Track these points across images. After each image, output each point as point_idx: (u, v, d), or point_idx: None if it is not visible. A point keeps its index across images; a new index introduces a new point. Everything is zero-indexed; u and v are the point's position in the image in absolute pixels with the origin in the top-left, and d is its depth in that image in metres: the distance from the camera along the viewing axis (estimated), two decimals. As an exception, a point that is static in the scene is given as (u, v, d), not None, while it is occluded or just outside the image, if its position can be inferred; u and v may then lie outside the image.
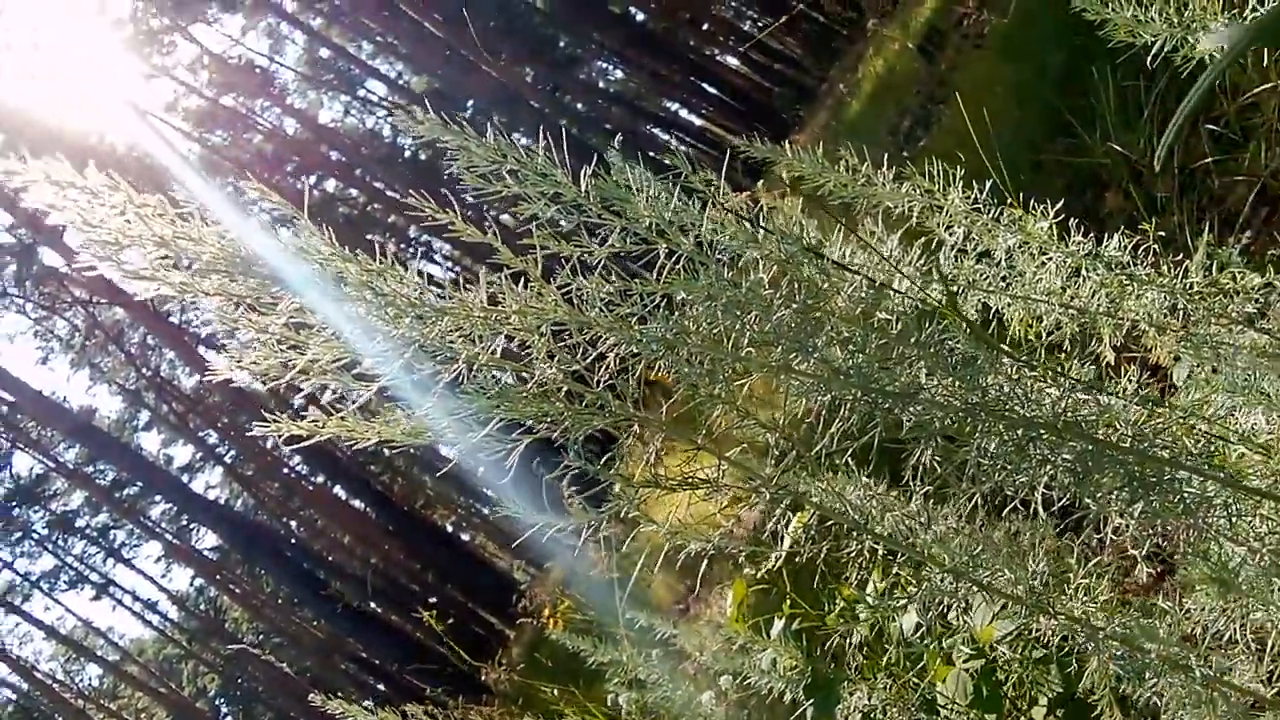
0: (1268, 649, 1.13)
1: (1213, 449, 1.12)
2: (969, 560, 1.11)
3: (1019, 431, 1.03)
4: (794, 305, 1.03)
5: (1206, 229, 3.34)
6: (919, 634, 2.33)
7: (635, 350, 1.02)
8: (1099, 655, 1.13)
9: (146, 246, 0.87)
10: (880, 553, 1.85)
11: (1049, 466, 1.07)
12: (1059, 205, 1.72)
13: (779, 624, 2.32)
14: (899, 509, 1.26)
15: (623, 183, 1.03)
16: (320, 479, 26.99)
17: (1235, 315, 1.83)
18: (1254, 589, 1.06)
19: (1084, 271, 1.77)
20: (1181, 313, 1.80)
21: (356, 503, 26.84)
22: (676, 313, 1.03)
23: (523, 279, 1.01)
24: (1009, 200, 1.74)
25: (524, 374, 1.08)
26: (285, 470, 26.70)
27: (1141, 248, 1.81)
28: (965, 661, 2.27)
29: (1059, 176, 4.86)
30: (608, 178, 1.02)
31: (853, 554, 1.47)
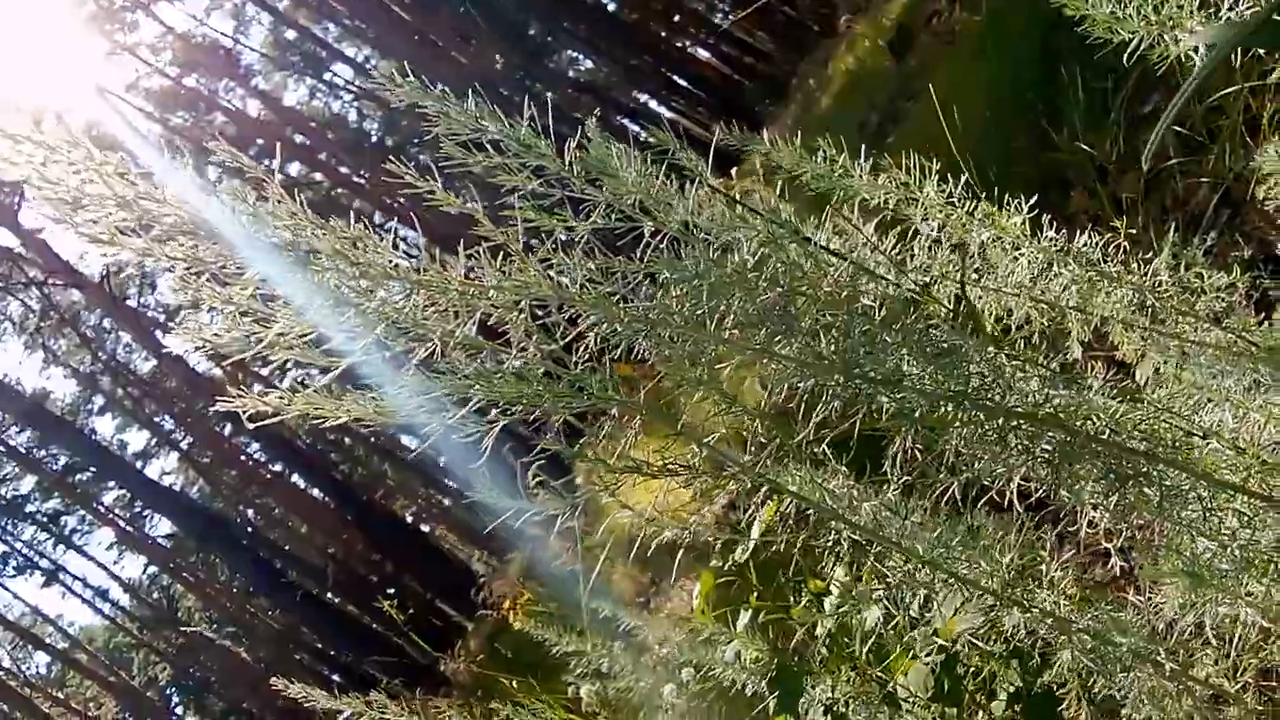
0: (1233, 643, 1.14)
1: (1184, 444, 1.12)
2: (943, 551, 1.10)
3: (999, 420, 1.03)
4: (778, 288, 1.01)
5: (1171, 229, 3.38)
6: (883, 627, 2.33)
7: (616, 330, 1.00)
8: (1069, 649, 1.13)
9: (106, 207, 0.83)
10: (849, 545, 1.84)
11: (1027, 457, 1.06)
12: (1029, 203, 1.73)
13: (745, 616, 2.31)
14: (874, 499, 1.26)
15: (607, 157, 1.01)
16: (279, 467, 26.65)
17: (1201, 313, 1.85)
18: (1224, 583, 1.07)
19: (1055, 267, 1.78)
20: (1149, 310, 1.81)
21: (315, 491, 26.54)
22: (659, 292, 1.01)
23: (501, 254, 0.98)
24: (981, 195, 1.74)
25: (500, 354, 1.05)
26: (243, 458, 26.33)
27: (1112, 245, 1.82)
28: (927, 655, 2.27)
29: (1026, 175, 4.90)
30: (592, 151, 0.99)
31: (824, 545, 1.46)
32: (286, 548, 26.93)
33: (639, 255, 1.03)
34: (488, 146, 1.00)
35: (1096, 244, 1.80)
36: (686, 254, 1.01)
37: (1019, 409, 1.03)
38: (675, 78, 28.95)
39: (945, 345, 1.02)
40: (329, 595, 25.00)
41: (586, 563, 5.18)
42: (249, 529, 26.39)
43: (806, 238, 1.04)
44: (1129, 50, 1.67)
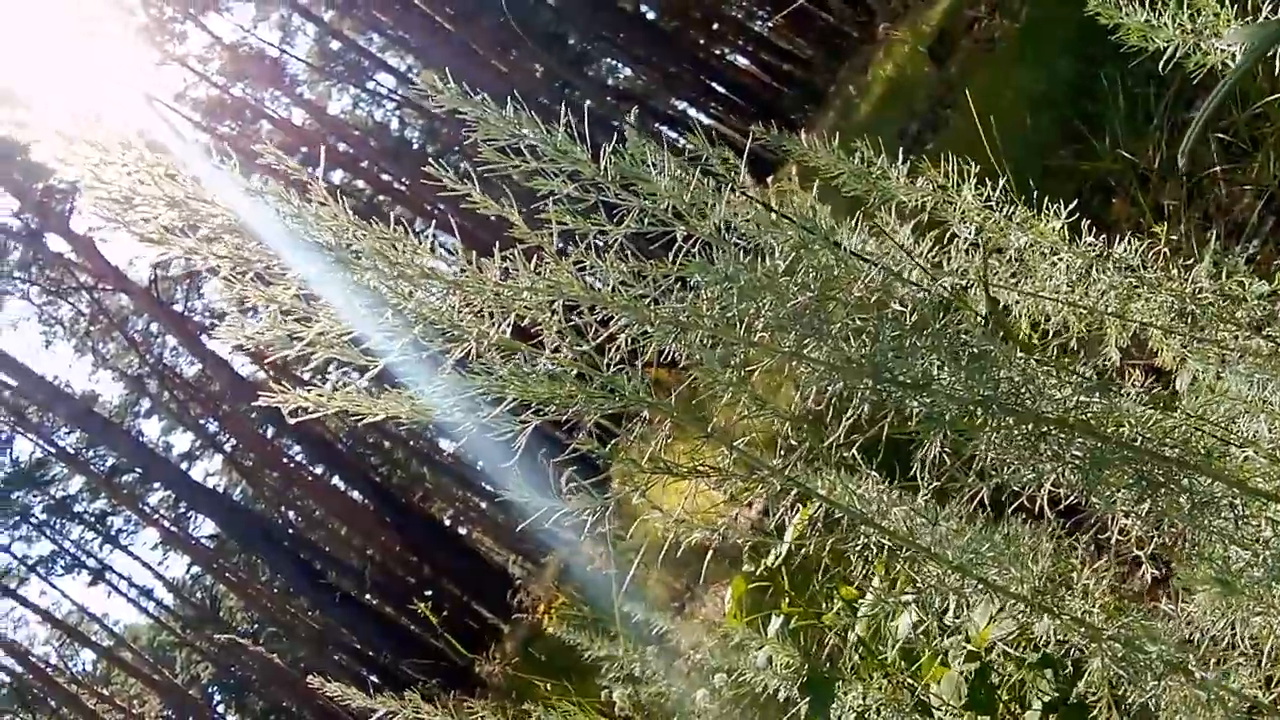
0: (1265, 654, 1.13)
1: (1219, 452, 1.11)
2: (974, 557, 1.11)
3: (1029, 426, 1.03)
4: (809, 292, 1.03)
5: (1213, 236, 3.33)
6: (916, 634, 2.32)
7: (647, 332, 1.02)
8: (1100, 656, 1.13)
9: (156, 207, 0.87)
10: (883, 550, 1.83)
11: (1058, 462, 1.06)
12: (1068, 209, 1.72)
13: (777, 621, 2.31)
14: (905, 505, 1.26)
15: (641, 160, 1.03)
16: (319, 469, 27.01)
17: (1243, 321, 1.83)
18: (1256, 592, 1.06)
19: (1094, 272, 1.77)
20: (1189, 317, 1.79)
21: (355, 494, 26.84)
22: (691, 296, 1.03)
23: (536, 257, 1.00)
24: (1020, 201, 1.74)
25: (533, 356, 1.08)
26: (285, 460, 26.72)
27: (1152, 252, 1.81)
28: (961, 663, 2.26)
29: (1067, 182, 4.85)
30: (626, 156, 1.01)
31: (856, 550, 1.47)
32: (326, 549, 27.26)
33: (672, 259, 1.05)
34: (525, 152, 1.02)
35: (1136, 250, 1.79)
36: (718, 257, 1.02)
37: (1050, 414, 1.04)
38: (714, 85, 28.96)
39: (976, 350, 1.03)
40: (367, 596, 25.25)
41: (620, 566, 5.20)
42: (290, 530, 26.76)
43: (837, 242, 1.05)
44: (1165, 58, 1.66)
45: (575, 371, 1.05)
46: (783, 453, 1.12)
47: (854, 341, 1.05)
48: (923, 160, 1.71)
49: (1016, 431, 1.02)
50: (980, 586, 1.11)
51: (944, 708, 2.21)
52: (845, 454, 1.17)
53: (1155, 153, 4.42)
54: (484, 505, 28.22)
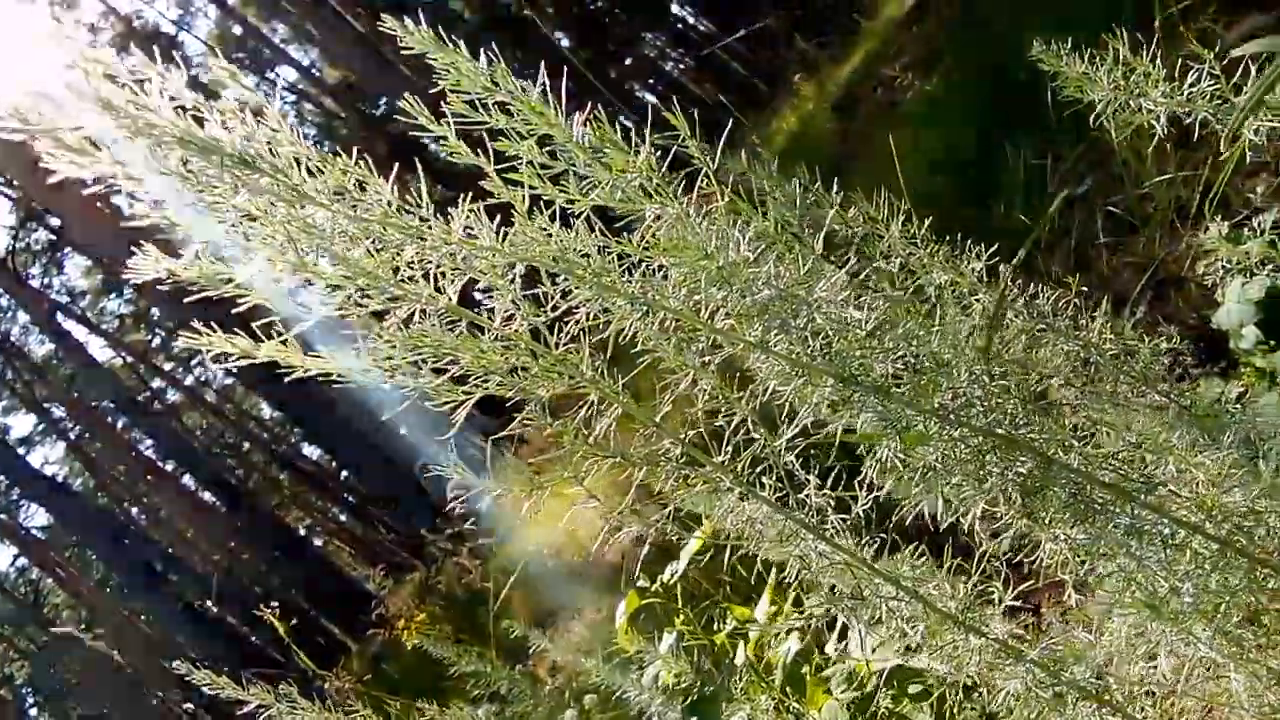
0: (1178, 685, 1.15)
1: (1149, 484, 1.14)
2: (908, 573, 1.10)
3: (979, 439, 1.03)
4: (777, 286, 1.00)
5: (1102, 301, 3.51)
6: (804, 661, 2.32)
7: (609, 310, 0.97)
8: (1019, 679, 1.13)
9: (89, 109, 0.77)
10: (771, 571, 1.82)
11: (1002, 480, 1.06)
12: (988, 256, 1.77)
13: (669, 638, 2.28)
14: (840, 523, 1.24)
15: (613, 137, 0.99)
16: (170, 466, 25.57)
17: (1138, 375, 1.91)
18: (1178, 620, 1.08)
19: (1009, 315, 1.81)
20: (1092, 368, 1.86)
21: (206, 495, 25.52)
22: (657, 276, 0.99)
23: (499, 218, 0.95)
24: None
25: (477, 325, 1.01)
26: (134, 453, 25.20)
27: (1063, 302, 1.88)
28: (842, 692, 2.27)
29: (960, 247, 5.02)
30: (603, 125, 0.97)
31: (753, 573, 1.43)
32: (170, 551, 25.75)
33: (638, 238, 1.01)
34: (491, 108, 0.97)
35: (1050, 299, 1.85)
36: (684, 242, 0.99)
37: (998, 430, 1.04)
38: (622, 119, 29.14)
39: (936, 359, 1.02)
40: (209, 604, 23.94)
41: (494, 584, 5.07)
42: (131, 528, 25.19)
43: (799, 237, 1.03)
44: (1096, 114, 1.73)
45: (526, 345, 0.99)
46: (728, 449, 1.08)
47: (816, 341, 1.03)
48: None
49: (967, 444, 1.02)
50: (911, 601, 1.10)
51: (826, 736, 2.20)
52: (789, 459, 1.14)
53: (1047, 222, 4.65)
54: (344, 517, 27.25)
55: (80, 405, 23.84)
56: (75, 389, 23.89)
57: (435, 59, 0.94)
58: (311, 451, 27.29)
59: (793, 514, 1.07)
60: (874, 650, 2.38)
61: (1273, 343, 2.16)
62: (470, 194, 0.93)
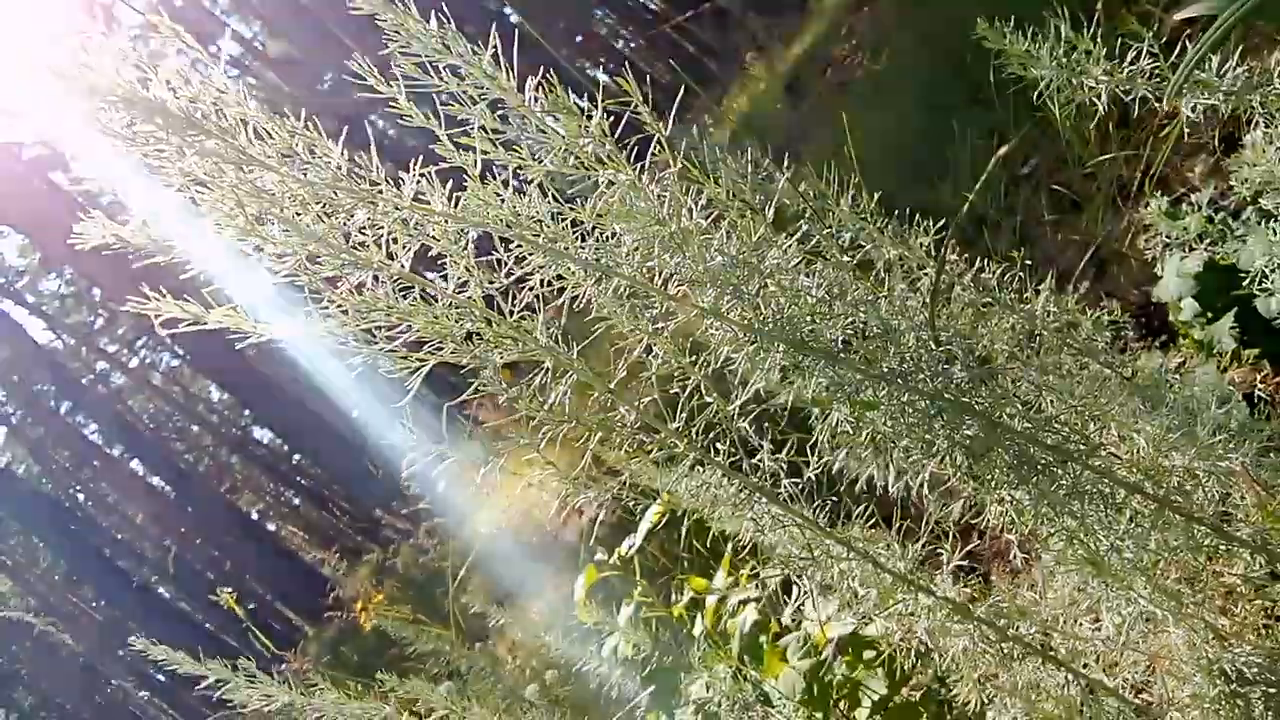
0: (1118, 640, 1.19)
1: (1090, 447, 1.17)
2: (861, 541, 1.12)
3: (926, 404, 1.05)
4: (729, 253, 1.01)
5: (1046, 279, 3.57)
6: (760, 631, 2.36)
7: (563, 276, 0.97)
8: (965, 636, 1.16)
9: (28, 70, 0.76)
10: (732, 546, 1.84)
11: (949, 443, 1.09)
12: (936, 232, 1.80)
13: (627, 609, 2.29)
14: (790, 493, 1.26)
15: (565, 102, 0.99)
16: (117, 451, 25.04)
17: (1081, 346, 1.96)
18: (1118, 576, 1.12)
19: (956, 288, 1.85)
20: (1036, 340, 1.90)
21: (155, 480, 25.04)
22: (611, 242, 0.99)
23: (450, 183, 0.94)
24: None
25: (430, 291, 1.01)
26: (79, 438, 24.63)
27: (1007, 276, 1.91)
28: (799, 660, 2.31)
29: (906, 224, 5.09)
30: (555, 90, 0.97)
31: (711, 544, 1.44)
32: (119, 537, 25.27)
33: (591, 205, 1.01)
34: (442, 71, 0.96)
35: (996, 273, 1.88)
36: (637, 209, 0.99)
37: (948, 395, 1.06)
38: (572, 97, 29.01)
39: (884, 325, 1.04)
40: (160, 590, 23.60)
41: (451, 564, 5.06)
42: (79, 514, 24.65)
43: (750, 206, 1.04)
44: (1038, 92, 1.75)
45: (480, 312, 0.99)
46: (683, 415, 1.09)
47: (767, 307, 1.04)
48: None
49: (914, 409, 1.04)
50: (861, 562, 1.12)
51: (782, 702, 2.24)
52: (741, 425, 1.16)
53: (992, 201, 4.73)
54: (298, 501, 26.94)
55: (21, 389, 23.23)
56: (15, 373, 23.26)
57: (384, 20, 0.92)
58: (263, 435, 26.90)
59: (746, 478, 1.09)
60: (829, 619, 2.43)
61: (1209, 314, 2.22)
62: (421, 161, 0.92)
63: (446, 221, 0.91)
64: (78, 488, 25.45)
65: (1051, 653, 1.15)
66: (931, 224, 1.95)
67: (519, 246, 0.96)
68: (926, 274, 1.85)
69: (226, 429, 26.95)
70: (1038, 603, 1.21)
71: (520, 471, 1.15)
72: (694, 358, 1.07)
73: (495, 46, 0.97)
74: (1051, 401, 1.62)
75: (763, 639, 2.41)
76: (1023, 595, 1.22)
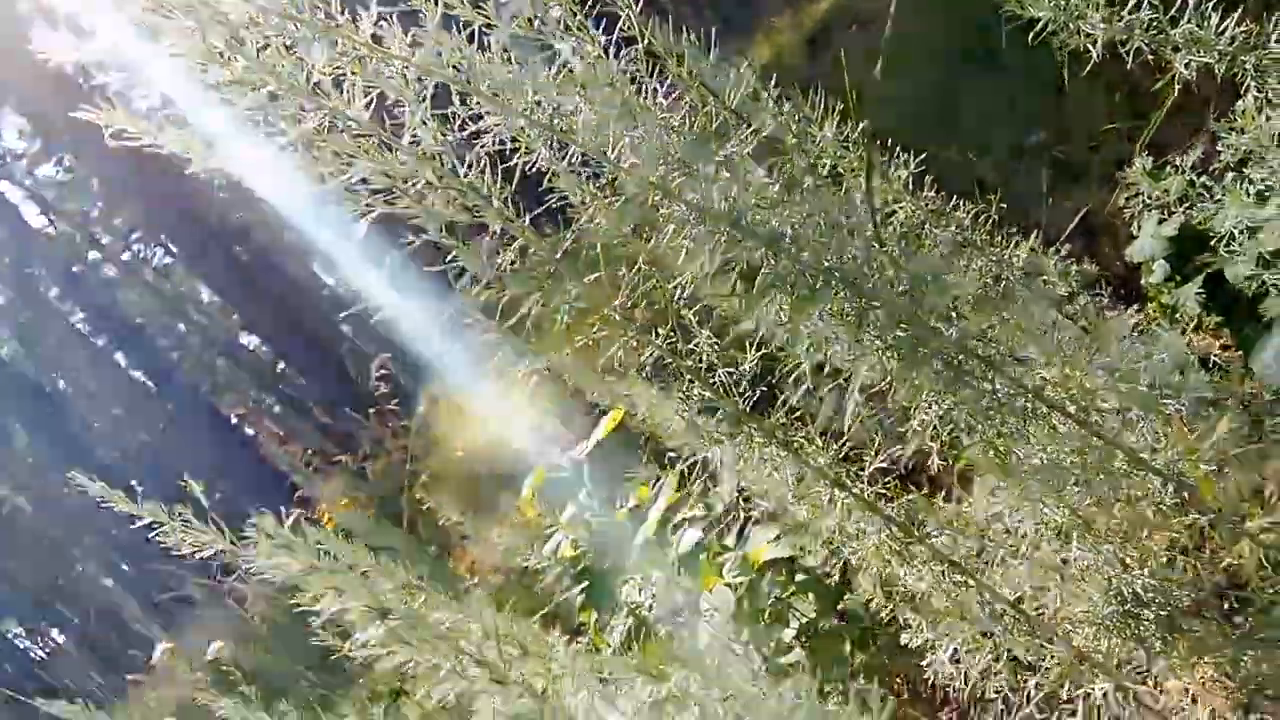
0: (1030, 549, 1.24)
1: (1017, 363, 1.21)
2: (783, 430, 1.16)
3: (862, 300, 1.08)
4: (687, 133, 1.03)
5: (1033, 235, 3.57)
6: (697, 547, 2.42)
7: (519, 135, 1.00)
8: (879, 535, 1.21)
9: None
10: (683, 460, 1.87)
11: (879, 345, 1.12)
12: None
13: (570, 509, 2.35)
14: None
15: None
16: (102, 342, 25.01)
17: (1048, 296, 1.99)
18: (1031, 489, 1.16)
19: (928, 227, 1.87)
20: (1002, 286, 1.92)
21: (138, 374, 25.06)
22: (568, 109, 1.01)
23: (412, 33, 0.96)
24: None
25: (388, 143, 1.03)
26: (66, 325, 24.57)
27: (981, 218, 1.94)
28: (734, 577, 2.37)
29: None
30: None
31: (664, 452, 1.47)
32: (96, 425, 25.35)
33: (553, 70, 1.03)
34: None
35: (969, 212, 1.91)
36: (600, 75, 1.01)
37: (883, 295, 1.09)
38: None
39: (830, 221, 1.07)
40: (135, 483, 23.76)
41: (421, 480, 5.12)
42: (58, 400, 24.70)
43: (711, 90, 1.05)
44: (1034, 33, 1.76)
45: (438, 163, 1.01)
46: (625, 294, 1.12)
47: (718, 194, 1.06)
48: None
49: (850, 305, 1.07)
50: (785, 454, 1.16)
51: (712, 614, 2.31)
52: (685, 313, 1.19)
53: (996, 166, 4.74)
54: (279, 409, 26.99)
55: (11, 272, 23.10)
56: (5, 254, 23.11)
57: None
58: (250, 340, 26.82)
59: (681, 360, 1.12)
60: (769, 543, 2.49)
61: (1179, 278, 2.25)
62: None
63: (405, 68, 0.93)
64: (59, 374, 25.46)
65: (953, 557, 1.20)
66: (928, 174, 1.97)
67: (477, 104, 0.98)
68: (901, 207, 1.87)
69: (214, 331, 26.89)
70: (944, 508, 1.26)
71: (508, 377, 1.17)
72: (642, 239, 1.10)
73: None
74: (995, 327, 1.66)
75: (703, 556, 2.48)
76: (938, 502, 1.27)
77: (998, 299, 1.91)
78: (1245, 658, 1.14)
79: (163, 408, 24.46)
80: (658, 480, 2.45)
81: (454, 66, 0.93)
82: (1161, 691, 1.50)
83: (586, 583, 2.28)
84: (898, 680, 2.38)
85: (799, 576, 2.34)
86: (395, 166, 0.94)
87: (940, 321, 1.12)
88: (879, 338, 1.10)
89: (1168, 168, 2.37)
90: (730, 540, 2.60)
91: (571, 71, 1.01)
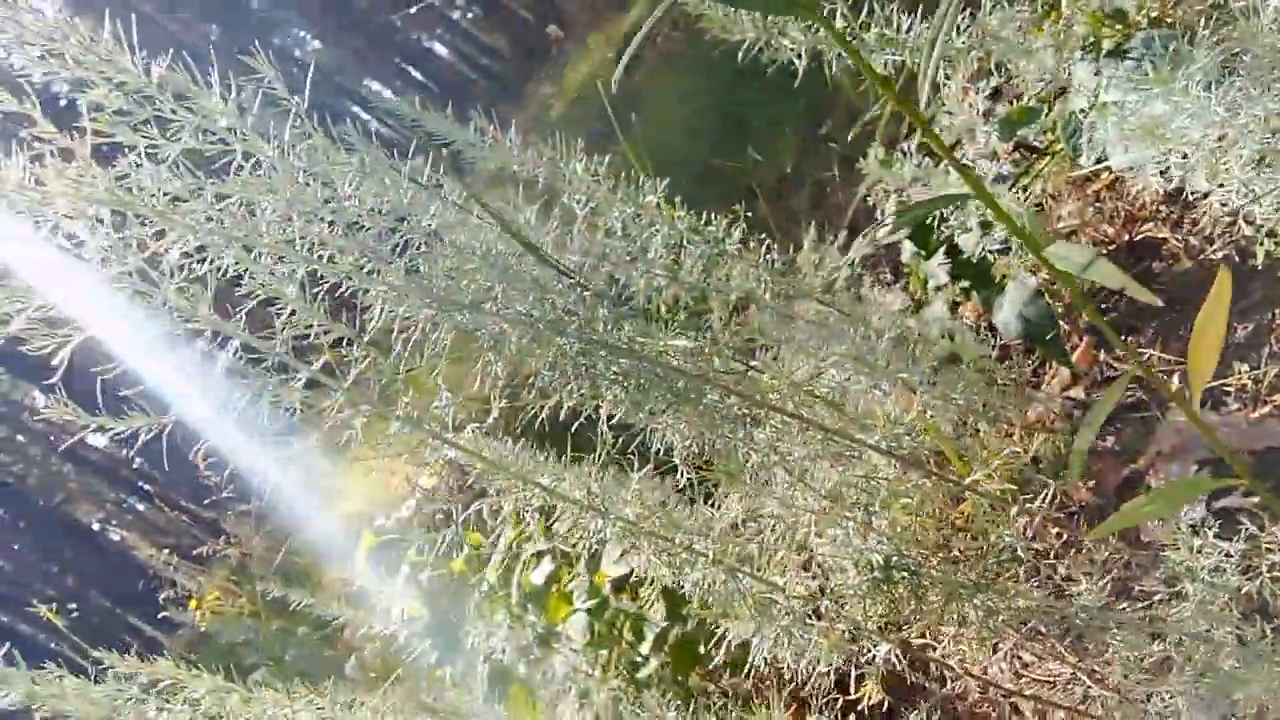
0: (785, 537, 1.34)
1: (741, 374, 1.31)
2: (530, 467, 1.22)
3: (575, 345, 1.16)
4: (378, 217, 1.08)
5: (813, 227, 3.77)
6: (547, 581, 2.47)
7: (204, 247, 1.03)
8: (645, 550, 1.29)
9: None
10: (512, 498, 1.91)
11: (607, 381, 1.20)
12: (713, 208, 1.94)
13: (405, 570, 2.36)
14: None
15: (196, 82, 1.03)
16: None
17: (808, 290, 2.13)
18: (766, 488, 1.26)
19: (685, 243, 1.98)
20: (763, 286, 2.05)
21: (-25, 497, 23.34)
22: (249, 213, 1.05)
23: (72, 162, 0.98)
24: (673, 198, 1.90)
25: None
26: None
27: (737, 230, 2.07)
28: (583, 602, 2.43)
29: (721, 186, 5.31)
30: (183, 72, 1.01)
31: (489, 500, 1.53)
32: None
33: (232, 178, 1.06)
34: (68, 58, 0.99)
35: (722, 225, 2.03)
36: (277, 178, 1.05)
37: (596, 338, 1.17)
38: (409, 69, 28.43)
39: (532, 278, 1.14)
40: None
41: (261, 552, 4.99)
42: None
43: (396, 168, 1.11)
44: (742, 53, 1.89)
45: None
46: (350, 373, 1.16)
47: (425, 266, 1.12)
48: (606, 156, 1.83)
49: (567, 351, 1.14)
50: (538, 491, 1.23)
51: (566, 642, 2.36)
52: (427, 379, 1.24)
53: (790, 159, 4.99)
54: (141, 507, 25.60)
55: None
56: None
57: (-9, 11, 0.94)
58: (97, 440, 25.37)
59: (419, 425, 1.17)
60: (613, 563, 2.57)
61: (923, 253, 2.43)
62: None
63: (66, 201, 0.95)
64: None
65: (716, 558, 1.29)
66: (736, 192, 2.07)
67: (153, 222, 1.01)
68: (658, 229, 1.97)
69: (56, 436, 25.29)
70: (706, 516, 1.35)
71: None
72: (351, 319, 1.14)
73: (118, 29, 1.00)
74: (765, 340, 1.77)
75: (554, 588, 2.53)
76: (698, 510, 1.36)
77: (766, 303, 2.04)
78: (980, 599, 1.27)
79: (14, 526, 22.86)
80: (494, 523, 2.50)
81: (111, 195, 0.95)
82: (937, 639, 1.65)
83: (435, 640, 2.30)
84: (753, 672, 2.49)
85: (643, 591, 2.41)
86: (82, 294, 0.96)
87: (654, 349, 1.21)
88: (599, 374, 1.18)
89: (897, 153, 2.56)
90: (581, 566, 2.66)
91: (243, 181, 1.05)
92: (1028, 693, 1.76)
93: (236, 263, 1.05)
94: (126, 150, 1.01)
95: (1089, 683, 1.67)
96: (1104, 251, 2.50)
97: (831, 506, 1.34)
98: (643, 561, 1.31)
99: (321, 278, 1.09)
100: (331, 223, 1.07)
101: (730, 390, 1.24)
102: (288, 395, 1.14)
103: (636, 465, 1.35)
